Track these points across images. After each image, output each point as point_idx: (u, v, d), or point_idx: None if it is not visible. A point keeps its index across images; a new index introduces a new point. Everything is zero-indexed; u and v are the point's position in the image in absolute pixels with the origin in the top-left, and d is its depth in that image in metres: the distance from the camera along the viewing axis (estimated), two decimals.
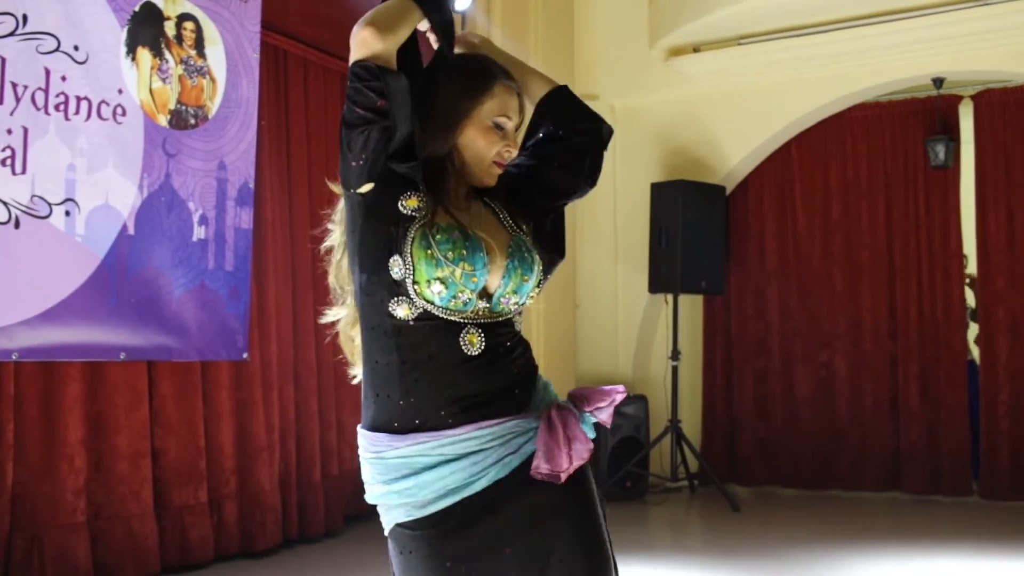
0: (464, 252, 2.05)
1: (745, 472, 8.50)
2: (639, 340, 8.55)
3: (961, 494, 7.81)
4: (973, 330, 8.18)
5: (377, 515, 2.15)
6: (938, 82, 7.87)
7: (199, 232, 5.30)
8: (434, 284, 2.03)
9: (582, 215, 8.54)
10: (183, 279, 5.21)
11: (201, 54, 5.31)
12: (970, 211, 8.02)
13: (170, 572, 5.28)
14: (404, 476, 2.05)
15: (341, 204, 2.19)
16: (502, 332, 2.12)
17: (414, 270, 2.03)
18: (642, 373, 8.56)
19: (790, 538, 6.41)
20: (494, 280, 2.11)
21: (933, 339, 8.02)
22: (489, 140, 2.17)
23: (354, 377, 2.25)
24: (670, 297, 8.11)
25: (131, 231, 4.95)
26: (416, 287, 2.04)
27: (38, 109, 4.57)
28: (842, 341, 8.32)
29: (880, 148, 8.29)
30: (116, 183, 4.88)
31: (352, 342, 2.24)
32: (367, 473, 2.13)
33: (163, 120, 5.12)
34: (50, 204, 4.60)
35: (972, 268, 8.20)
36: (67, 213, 4.67)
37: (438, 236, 2.05)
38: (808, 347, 8.42)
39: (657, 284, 8.03)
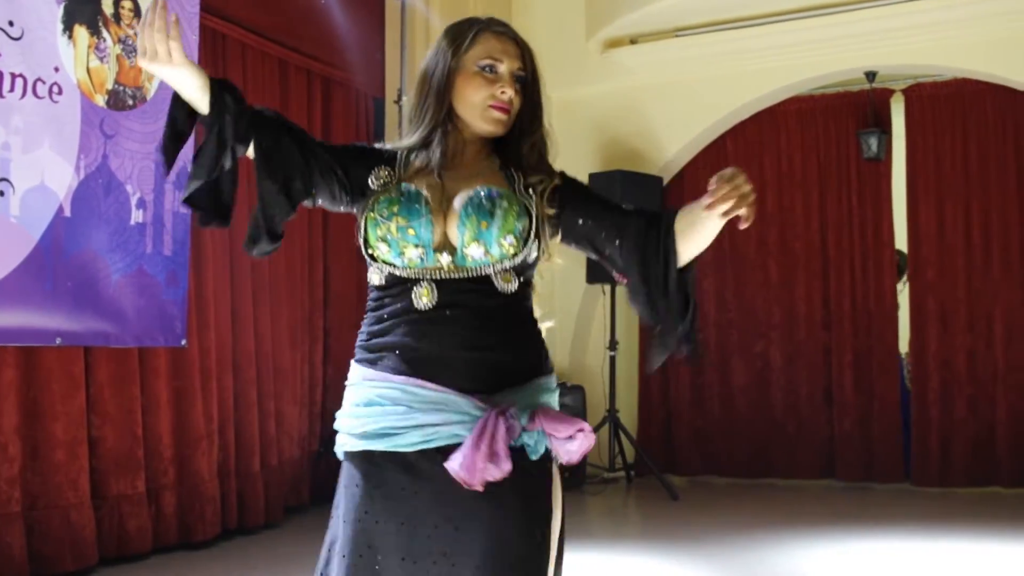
0: (397, 207, 2.06)
1: (682, 461, 8.54)
2: (576, 330, 8.55)
3: (893, 481, 7.93)
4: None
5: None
6: (870, 76, 8.00)
7: (137, 215, 5.18)
8: (380, 244, 2.07)
9: None
10: (120, 263, 5.09)
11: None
12: (901, 203, 8.16)
13: (108, 564, 5.14)
14: (358, 404, 2.11)
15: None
16: (466, 289, 2.07)
17: (365, 235, 2.09)
18: (579, 363, 8.56)
19: (727, 526, 6.45)
20: (452, 230, 2.09)
21: (866, 330, 8.13)
22: (475, 85, 2.16)
23: None
24: (607, 287, 8.13)
25: (67, 213, 4.82)
26: (370, 251, 2.08)
27: None
28: (777, 331, 8.40)
29: (814, 140, 8.40)
30: (52, 163, 4.75)
31: None
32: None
33: (100, 100, 4.99)
34: None
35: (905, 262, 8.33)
36: (1, 193, 4.54)
37: (381, 197, 2.09)
38: (743, 337, 8.49)
39: (594, 274, 8.03)
